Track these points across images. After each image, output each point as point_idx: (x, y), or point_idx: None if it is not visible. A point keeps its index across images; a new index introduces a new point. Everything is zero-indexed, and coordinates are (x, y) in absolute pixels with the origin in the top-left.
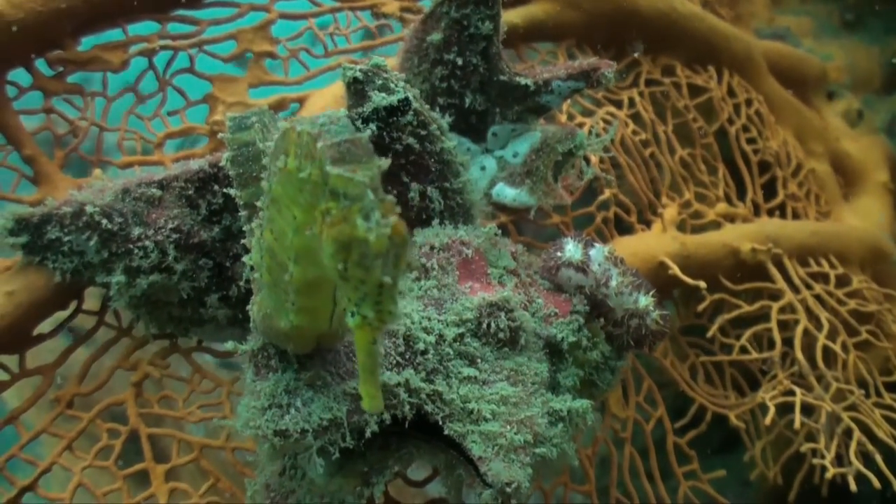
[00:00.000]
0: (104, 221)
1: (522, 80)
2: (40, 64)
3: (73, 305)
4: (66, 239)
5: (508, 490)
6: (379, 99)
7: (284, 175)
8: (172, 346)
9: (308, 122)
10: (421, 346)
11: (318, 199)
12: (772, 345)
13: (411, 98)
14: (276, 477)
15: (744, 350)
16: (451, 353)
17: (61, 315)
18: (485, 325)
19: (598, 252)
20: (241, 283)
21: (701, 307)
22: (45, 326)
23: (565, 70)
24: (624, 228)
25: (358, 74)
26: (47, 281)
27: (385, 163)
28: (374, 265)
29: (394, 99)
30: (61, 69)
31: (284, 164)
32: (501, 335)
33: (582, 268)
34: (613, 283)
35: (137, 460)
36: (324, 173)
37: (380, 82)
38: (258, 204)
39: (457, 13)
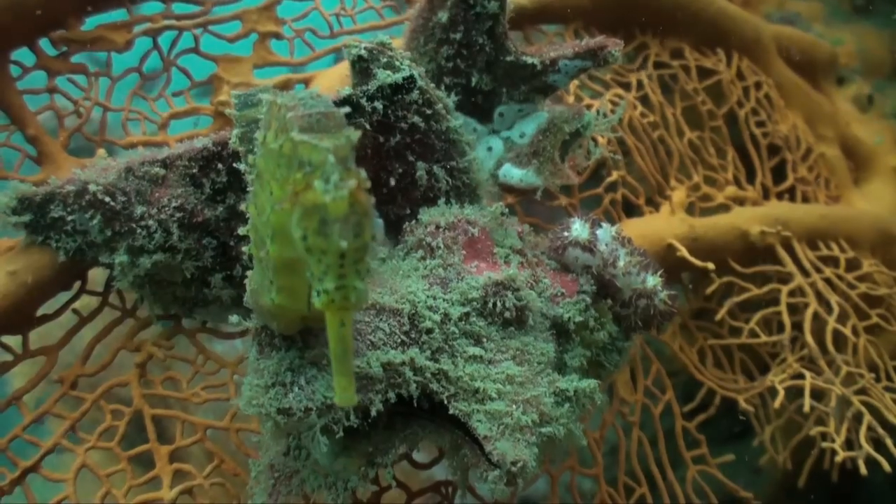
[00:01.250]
0: (107, 200)
1: (529, 60)
2: (44, 43)
3: (76, 286)
4: (69, 218)
5: (514, 469)
6: (384, 76)
7: (265, 148)
8: (177, 326)
9: (290, 96)
10: (426, 324)
11: (291, 171)
12: (781, 328)
13: (416, 76)
14: (281, 457)
15: (753, 333)
16: (457, 332)
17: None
18: (490, 305)
19: (605, 232)
20: (246, 262)
21: (710, 290)
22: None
23: (572, 49)
24: (632, 211)
25: (363, 52)
26: (51, 261)
27: (355, 135)
28: (333, 230)
29: (399, 76)
30: (65, 49)
31: (264, 137)
32: (507, 314)
33: (589, 247)
34: (621, 262)
35: (141, 442)
36: (293, 143)
37: (385, 60)
38: None
39: None
